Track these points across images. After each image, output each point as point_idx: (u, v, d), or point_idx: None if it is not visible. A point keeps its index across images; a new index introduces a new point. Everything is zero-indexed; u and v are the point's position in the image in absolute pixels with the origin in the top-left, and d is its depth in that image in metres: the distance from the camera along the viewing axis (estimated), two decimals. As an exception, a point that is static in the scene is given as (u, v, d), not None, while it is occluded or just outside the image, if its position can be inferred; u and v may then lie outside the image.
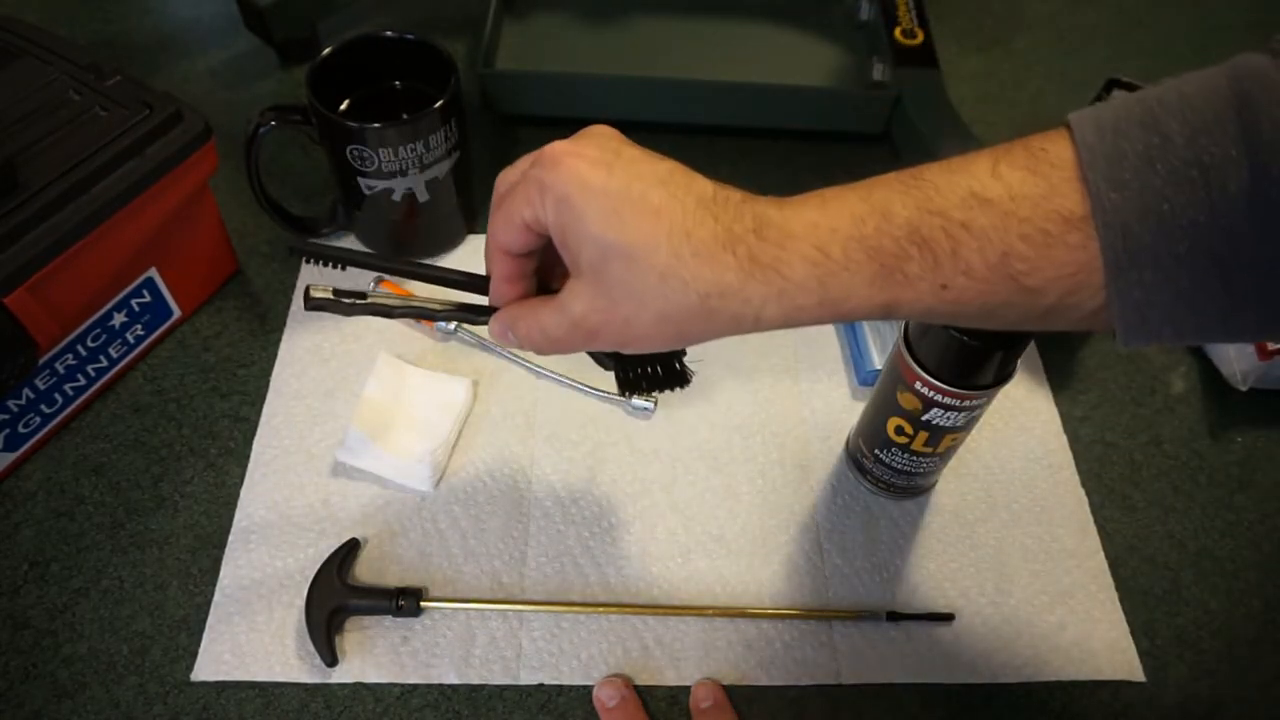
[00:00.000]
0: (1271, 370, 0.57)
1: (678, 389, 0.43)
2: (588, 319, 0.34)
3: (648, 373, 0.43)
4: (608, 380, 0.57)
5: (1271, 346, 0.56)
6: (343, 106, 0.60)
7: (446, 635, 0.48)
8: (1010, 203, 0.28)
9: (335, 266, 0.40)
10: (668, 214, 0.32)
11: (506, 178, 0.37)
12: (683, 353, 0.42)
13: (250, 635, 0.47)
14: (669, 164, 0.34)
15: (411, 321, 0.60)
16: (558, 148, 0.34)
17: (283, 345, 0.58)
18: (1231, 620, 0.51)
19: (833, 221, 0.31)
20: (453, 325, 0.58)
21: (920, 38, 0.71)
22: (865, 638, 0.49)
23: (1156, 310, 0.28)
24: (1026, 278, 0.29)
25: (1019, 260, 0.28)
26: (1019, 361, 0.44)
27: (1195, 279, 0.27)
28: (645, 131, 0.70)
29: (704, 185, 0.33)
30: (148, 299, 0.56)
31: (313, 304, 0.40)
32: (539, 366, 0.58)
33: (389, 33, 0.59)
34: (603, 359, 0.43)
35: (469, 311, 0.41)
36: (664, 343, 0.34)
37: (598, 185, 0.32)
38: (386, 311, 0.42)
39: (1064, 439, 0.57)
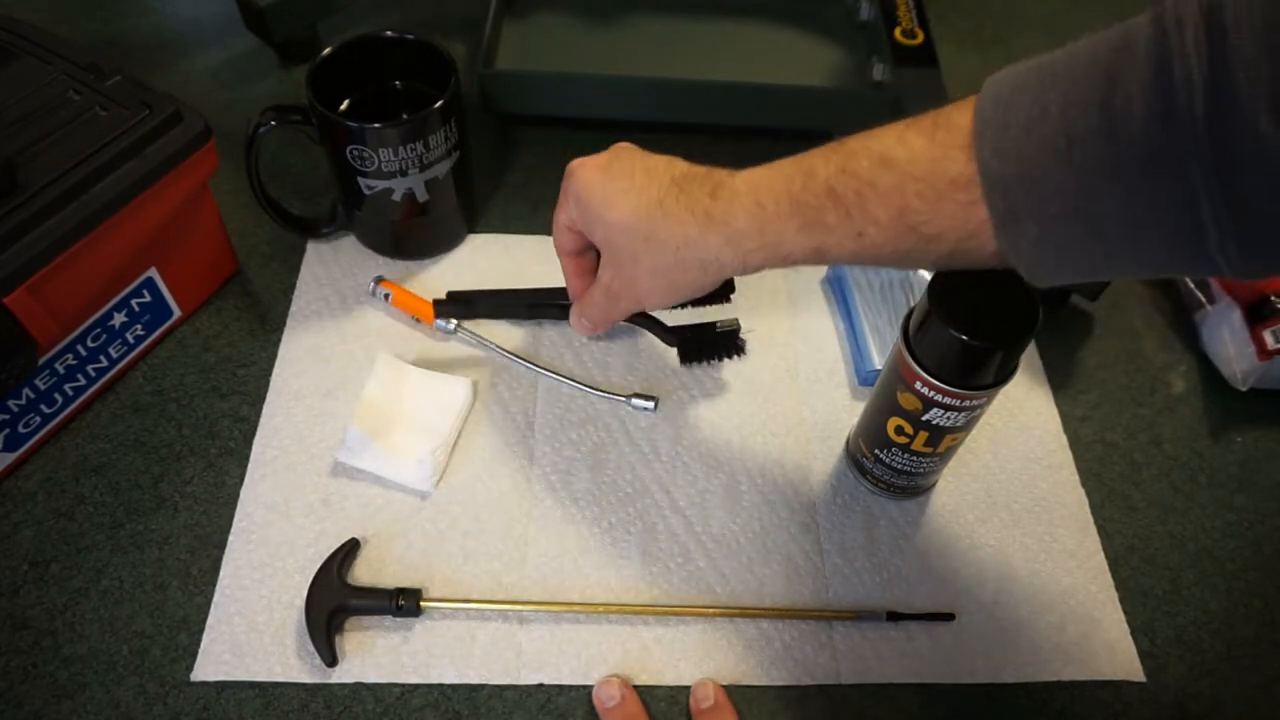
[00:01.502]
0: (1271, 370, 0.57)
1: (734, 357, 0.58)
2: (611, 284, 0.45)
3: (703, 343, 0.57)
4: (608, 380, 0.58)
5: (1271, 346, 0.56)
6: (343, 106, 0.60)
7: (446, 635, 0.48)
8: (909, 165, 0.34)
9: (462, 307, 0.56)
10: (646, 193, 0.41)
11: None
12: (736, 332, 0.57)
13: (250, 635, 0.47)
14: (658, 156, 0.43)
15: (412, 321, 0.60)
16: (575, 161, 0.45)
17: (283, 345, 0.58)
18: (1231, 620, 0.51)
19: (769, 181, 0.38)
20: (453, 325, 0.58)
21: (920, 38, 0.71)
22: (865, 638, 0.49)
23: (1046, 257, 0.32)
24: (925, 226, 0.34)
25: (914, 214, 0.34)
26: (1019, 361, 0.44)
27: (1070, 232, 0.31)
28: (646, 131, 0.70)
29: (681, 167, 0.42)
30: (148, 299, 0.56)
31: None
32: (539, 367, 0.58)
33: (389, 33, 0.59)
34: (662, 334, 0.57)
35: (557, 304, 0.58)
36: (662, 294, 0.44)
37: (597, 183, 0.43)
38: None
39: (1064, 439, 0.57)
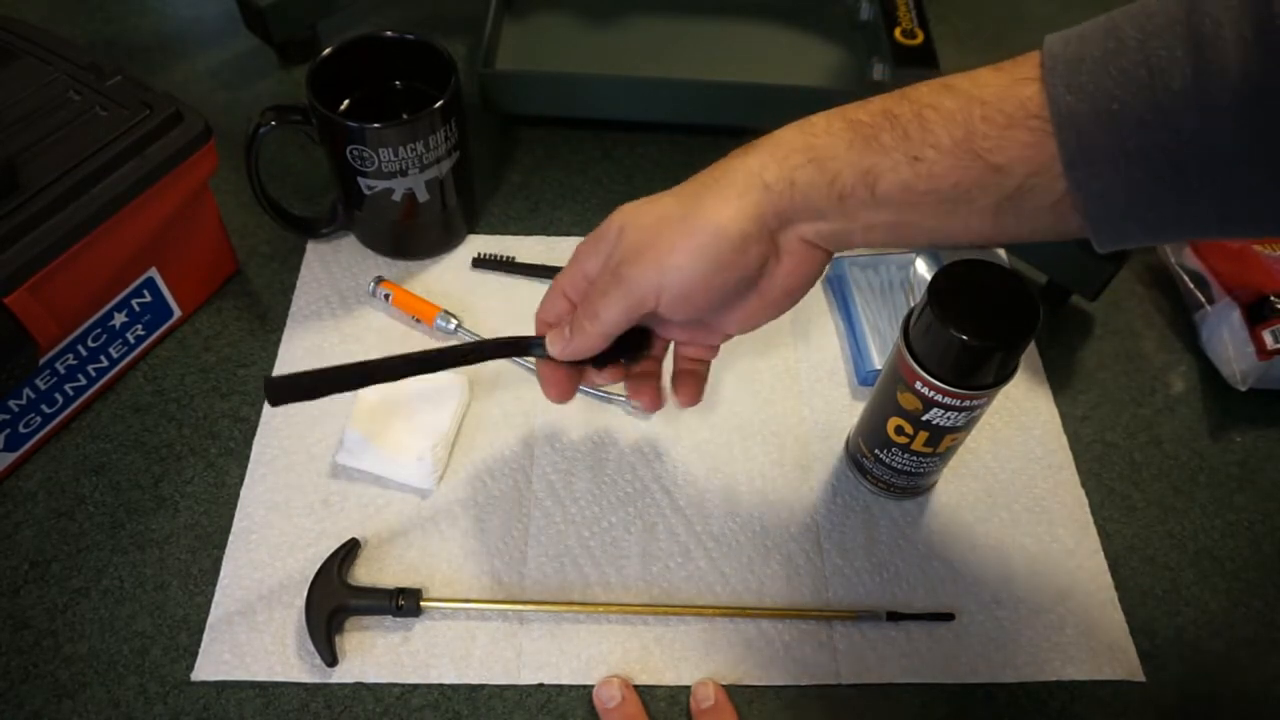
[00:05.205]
0: (1271, 370, 0.57)
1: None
2: (623, 257, 0.37)
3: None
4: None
5: (1271, 346, 0.56)
6: (343, 106, 0.60)
7: (446, 635, 0.48)
8: (974, 89, 0.32)
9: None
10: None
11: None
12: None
13: (250, 635, 0.47)
14: None
15: (412, 321, 0.60)
16: None
17: (283, 345, 0.59)
18: (1231, 620, 0.51)
19: (819, 115, 0.36)
20: (453, 325, 0.58)
21: (920, 38, 0.71)
22: (865, 638, 0.49)
23: (1117, 203, 0.30)
24: (990, 155, 0.31)
25: (982, 138, 0.31)
26: (1019, 361, 0.44)
27: (1147, 172, 0.29)
28: (646, 131, 0.71)
29: None
30: (148, 299, 0.56)
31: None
32: (539, 366, 0.58)
33: (389, 33, 0.59)
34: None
35: (515, 346, 0.45)
36: (692, 250, 0.35)
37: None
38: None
39: (1064, 439, 0.57)
